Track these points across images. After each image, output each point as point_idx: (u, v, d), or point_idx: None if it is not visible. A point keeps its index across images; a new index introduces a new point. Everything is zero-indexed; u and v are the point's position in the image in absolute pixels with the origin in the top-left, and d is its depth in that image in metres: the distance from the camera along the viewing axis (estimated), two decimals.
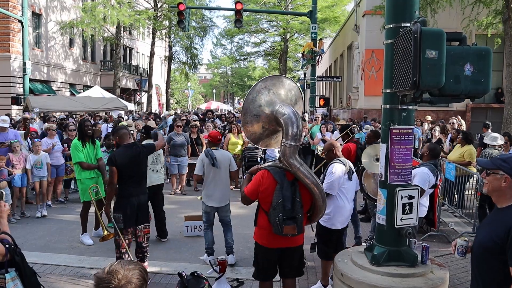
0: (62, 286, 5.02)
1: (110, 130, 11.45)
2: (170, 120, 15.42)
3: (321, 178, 4.88)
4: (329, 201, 4.76)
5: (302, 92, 4.38)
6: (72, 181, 9.82)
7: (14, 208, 7.91)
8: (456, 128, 10.68)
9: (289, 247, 3.96)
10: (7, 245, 2.80)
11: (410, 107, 3.53)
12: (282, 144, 3.72)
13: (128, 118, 16.03)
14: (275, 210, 3.69)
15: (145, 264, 5.30)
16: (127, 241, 5.11)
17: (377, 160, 5.36)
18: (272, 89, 3.95)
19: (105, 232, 5.56)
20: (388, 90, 3.56)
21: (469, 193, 8.09)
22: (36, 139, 8.68)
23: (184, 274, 4.68)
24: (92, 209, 6.77)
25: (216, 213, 5.89)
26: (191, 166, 10.74)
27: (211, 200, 5.76)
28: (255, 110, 3.93)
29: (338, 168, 4.75)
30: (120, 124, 11.35)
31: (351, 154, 6.98)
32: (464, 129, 11.78)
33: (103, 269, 1.84)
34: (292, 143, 3.68)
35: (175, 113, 21.53)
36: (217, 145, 6.06)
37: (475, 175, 7.99)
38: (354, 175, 5.01)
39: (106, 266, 1.86)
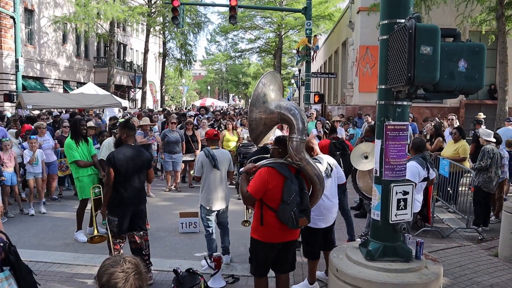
0: (56, 283, 5.00)
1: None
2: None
3: None
4: None
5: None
6: (67, 178, 9.78)
7: (6, 206, 7.84)
8: (456, 126, 10.56)
9: (290, 241, 4.01)
10: (1, 244, 2.77)
11: (405, 103, 3.53)
12: (293, 139, 3.73)
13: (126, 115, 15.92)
14: (289, 205, 3.69)
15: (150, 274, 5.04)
16: (119, 245, 5.00)
17: (366, 158, 5.35)
18: (271, 85, 3.93)
19: (95, 232, 5.50)
20: (383, 86, 3.56)
21: (463, 188, 8.14)
22: (31, 136, 8.62)
23: (179, 270, 4.69)
24: (89, 206, 6.75)
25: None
26: (186, 163, 10.77)
27: (213, 204, 5.48)
28: (260, 107, 3.87)
29: None
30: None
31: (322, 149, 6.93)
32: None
33: (111, 257, 1.93)
34: (303, 137, 3.73)
35: (165, 110, 21.24)
36: (216, 143, 5.88)
37: (469, 171, 8.05)
38: (334, 171, 4.89)
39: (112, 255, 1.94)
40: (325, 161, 4.81)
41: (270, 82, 3.93)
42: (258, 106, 3.87)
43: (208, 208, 5.48)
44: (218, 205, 5.52)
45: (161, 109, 24.51)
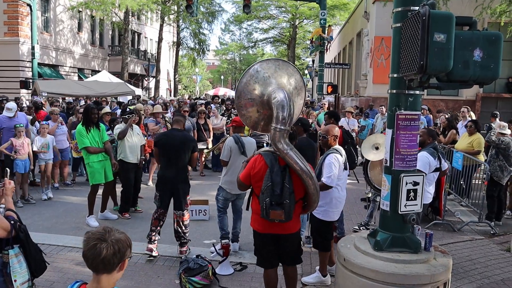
0: (68, 266, 5.09)
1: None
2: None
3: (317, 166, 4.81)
4: (328, 193, 4.58)
5: (304, 81, 4.21)
6: (81, 164, 9.87)
7: (18, 195, 7.72)
8: (471, 119, 10.29)
9: (282, 234, 3.87)
10: (12, 222, 2.83)
11: (417, 92, 3.48)
12: (272, 127, 3.61)
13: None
14: (263, 194, 3.65)
15: (184, 248, 5.51)
16: (157, 221, 5.47)
17: (376, 148, 5.30)
18: (268, 73, 3.83)
19: None
20: (395, 75, 3.51)
21: (476, 182, 8.02)
22: (44, 122, 8.72)
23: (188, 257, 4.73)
24: (100, 192, 6.86)
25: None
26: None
27: (235, 187, 5.45)
28: (249, 94, 3.83)
29: (337, 160, 4.56)
30: (128, 108, 11.30)
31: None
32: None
33: (96, 228, 2.01)
34: (282, 127, 3.56)
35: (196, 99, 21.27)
36: (243, 130, 5.89)
37: (482, 165, 7.92)
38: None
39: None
40: (343, 153, 4.77)
41: (266, 69, 3.85)
42: (246, 92, 3.84)
43: (228, 191, 5.61)
44: (239, 190, 5.60)
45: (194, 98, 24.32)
